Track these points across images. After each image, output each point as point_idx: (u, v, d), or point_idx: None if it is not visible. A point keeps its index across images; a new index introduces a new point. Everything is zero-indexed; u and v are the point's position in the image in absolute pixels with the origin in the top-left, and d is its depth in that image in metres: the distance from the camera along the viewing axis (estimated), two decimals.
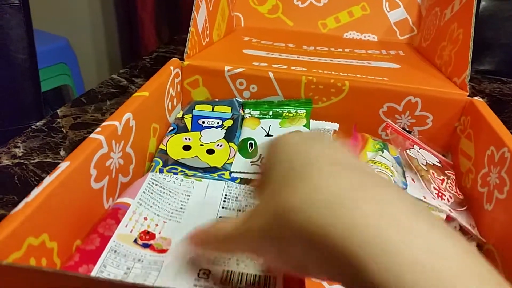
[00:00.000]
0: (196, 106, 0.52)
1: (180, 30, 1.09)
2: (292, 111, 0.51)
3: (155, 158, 0.44)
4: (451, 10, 0.62)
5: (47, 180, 0.29)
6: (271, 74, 0.52)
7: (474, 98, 0.50)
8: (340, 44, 0.73)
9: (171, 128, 0.49)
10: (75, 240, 0.32)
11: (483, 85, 0.82)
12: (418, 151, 0.48)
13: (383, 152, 0.46)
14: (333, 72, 0.53)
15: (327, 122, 0.52)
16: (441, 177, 0.46)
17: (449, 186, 0.46)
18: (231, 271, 0.29)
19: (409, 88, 0.52)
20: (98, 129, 0.36)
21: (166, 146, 0.46)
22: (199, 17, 0.56)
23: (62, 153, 0.55)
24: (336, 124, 0.52)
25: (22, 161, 0.52)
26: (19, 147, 0.55)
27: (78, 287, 0.20)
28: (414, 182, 0.44)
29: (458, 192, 0.46)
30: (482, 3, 0.93)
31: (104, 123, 0.37)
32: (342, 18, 0.79)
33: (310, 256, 0.20)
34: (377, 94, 0.52)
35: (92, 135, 0.35)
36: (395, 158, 0.46)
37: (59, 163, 0.52)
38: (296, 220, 0.20)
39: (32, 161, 0.52)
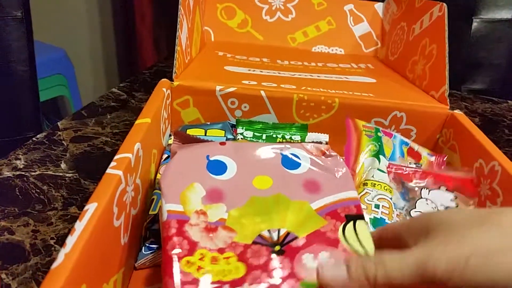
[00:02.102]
0: (188, 130, 0.51)
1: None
2: (286, 137, 0.51)
3: (155, 191, 0.43)
4: (420, 26, 0.65)
5: (79, 226, 0.27)
6: (263, 93, 0.52)
7: (454, 111, 0.54)
8: (311, 58, 0.74)
9: (165, 155, 0.47)
10: (103, 284, 0.30)
11: (476, 105, 0.87)
12: (427, 197, 0.46)
13: (379, 160, 0.47)
14: (321, 89, 0.54)
15: (319, 133, 0.52)
16: None
17: None
18: None
19: (395, 103, 0.54)
20: (114, 164, 0.34)
21: None
22: (183, 35, 0.55)
23: (63, 165, 0.54)
24: (326, 135, 0.52)
25: (23, 173, 0.52)
26: (20, 159, 0.54)
27: None
28: None
29: None
30: (474, 24, 0.99)
31: (117, 156, 0.35)
32: (310, 32, 0.81)
33: None
34: (365, 110, 0.54)
35: (110, 171, 0.33)
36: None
37: (60, 175, 0.53)
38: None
39: (33, 173, 0.52)
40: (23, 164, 0.53)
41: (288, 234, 0.31)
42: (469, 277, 0.22)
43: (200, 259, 0.29)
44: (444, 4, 0.60)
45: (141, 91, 0.79)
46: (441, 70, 0.56)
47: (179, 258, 0.29)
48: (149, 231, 0.41)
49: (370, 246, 0.30)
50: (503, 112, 0.84)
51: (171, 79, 0.52)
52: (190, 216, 0.31)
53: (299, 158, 0.35)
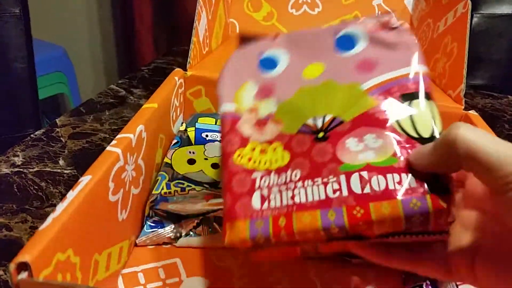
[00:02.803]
0: (199, 119, 0.52)
1: (179, 42, 1.08)
2: None
3: (161, 172, 0.44)
4: (444, 23, 0.64)
5: (71, 195, 0.29)
6: None
7: (469, 112, 0.52)
8: None
9: (175, 141, 0.49)
10: (94, 254, 0.32)
11: (476, 100, 0.85)
12: None
13: None
14: None
15: None
16: None
17: None
18: None
19: None
20: (114, 142, 0.36)
21: (171, 160, 0.46)
22: (200, 26, 0.57)
23: (61, 162, 0.54)
24: None
25: (21, 169, 0.52)
26: (18, 155, 0.55)
27: None
28: None
29: None
30: (475, 19, 0.96)
31: (119, 136, 0.37)
32: None
33: None
34: None
35: (110, 148, 0.35)
36: None
37: (58, 172, 0.55)
38: None
39: (31, 169, 0.52)
40: (21, 160, 0.54)
41: (334, 119, 0.30)
42: None
43: (251, 150, 0.32)
44: (469, 0, 0.58)
45: (139, 88, 0.79)
46: (460, 70, 0.55)
47: (232, 153, 0.32)
48: (152, 210, 0.43)
49: (427, 132, 0.27)
50: (504, 107, 0.82)
51: (180, 73, 0.53)
52: (242, 114, 0.33)
53: (355, 37, 0.33)
